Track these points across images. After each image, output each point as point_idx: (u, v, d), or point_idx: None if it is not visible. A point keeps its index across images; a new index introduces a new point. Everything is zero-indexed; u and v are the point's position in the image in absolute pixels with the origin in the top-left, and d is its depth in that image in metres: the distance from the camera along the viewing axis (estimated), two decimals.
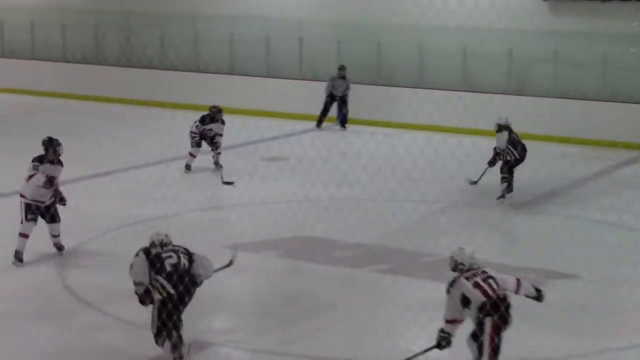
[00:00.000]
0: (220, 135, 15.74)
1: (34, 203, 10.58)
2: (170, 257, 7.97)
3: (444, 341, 7.36)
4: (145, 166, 15.75)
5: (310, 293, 9.75)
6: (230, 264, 8.90)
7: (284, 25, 22.03)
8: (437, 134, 16.29)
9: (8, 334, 8.65)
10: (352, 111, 20.44)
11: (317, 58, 21.50)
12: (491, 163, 14.25)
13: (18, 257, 10.56)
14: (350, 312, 9.22)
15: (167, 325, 7.83)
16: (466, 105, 15.80)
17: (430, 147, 13.47)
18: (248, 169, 15.46)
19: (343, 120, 20.46)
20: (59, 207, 10.86)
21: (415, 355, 7.62)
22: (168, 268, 7.88)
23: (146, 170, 15.51)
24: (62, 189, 10.89)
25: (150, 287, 7.93)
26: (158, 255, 7.94)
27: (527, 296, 7.50)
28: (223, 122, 15.86)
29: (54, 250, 10.93)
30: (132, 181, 14.77)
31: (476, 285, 7.23)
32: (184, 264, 7.98)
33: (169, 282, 7.83)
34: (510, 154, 14.00)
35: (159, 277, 7.86)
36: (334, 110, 20.41)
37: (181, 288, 7.81)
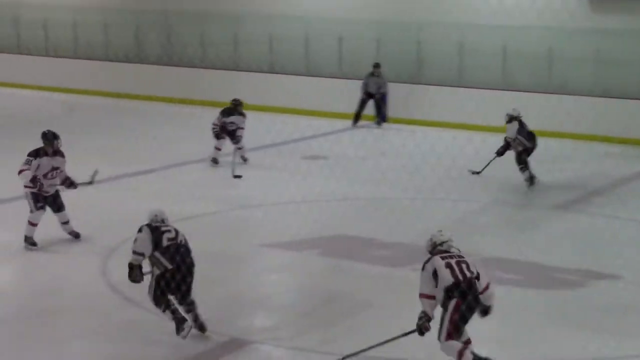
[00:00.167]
0: (242, 128, 15.92)
1: (41, 193, 11.03)
2: (168, 231, 8.35)
3: (420, 321, 7.47)
4: (185, 164, 15.86)
5: (350, 292, 9.75)
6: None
7: (323, 25, 22.03)
8: (477, 133, 16.20)
9: (53, 330, 8.74)
10: (392, 110, 20.43)
11: (356, 57, 21.47)
12: (500, 153, 14.68)
13: (29, 241, 11.04)
14: (389, 311, 9.19)
15: (164, 300, 8.21)
16: (506, 105, 15.67)
17: (470, 146, 13.44)
18: (288, 168, 15.50)
19: (379, 118, 20.48)
20: (71, 190, 11.38)
21: (393, 339, 7.78)
22: (165, 243, 8.24)
23: (187, 168, 15.61)
24: (69, 174, 11.36)
25: (150, 260, 8.27)
26: (157, 229, 8.30)
27: (481, 303, 7.54)
28: (244, 115, 16.04)
29: (75, 240, 11.33)
30: (173, 179, 14.86)
31: (448, 265, 7.44)
32: (181, 240, 8.37)
33: (165, 256, 8.20)
34: (521, 144, 14.43)
35: (155, 253, 8.22)
36: (371, 108, 20.44)
37: (178, 262, 8.17)
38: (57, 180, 11.25)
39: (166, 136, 18.31)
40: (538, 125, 16.00)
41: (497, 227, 12.36)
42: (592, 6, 19.32)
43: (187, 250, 8.39)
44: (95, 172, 11.27)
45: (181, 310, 8.30)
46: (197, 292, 8.47)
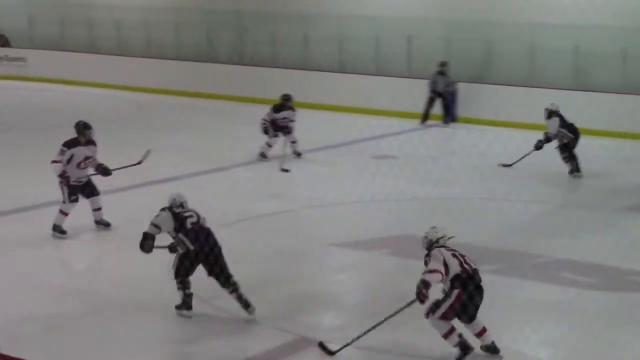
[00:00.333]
0: (293, 121, 16.21)
1: (75, 183, 11.44)
2: (191, 216, 8.90)
3: (420, 289, 7.69)
4: (257, 163, 15.93)
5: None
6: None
7: (393, 24, 21.98)
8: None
9: (118, 324, 8.84)
10: (461, 109, 20.30)
11: (425, 56, 21.36)
12: (538, 147, 15.02)
13: (59, 229, 11.43)
14: None
15: (184, 275, 8.79)
16: (579, 105, 15.50)
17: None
18: (358, 167, 15.48)
19: (448, 118, 20.39)
20: (104, 178, 11.74)
21: (396, 313, 8.02)
22: (189, 226, 8.79)
23: (257, 166, 15.68)
24: (102, 162, 11.73)
25: (175, 241, 8.81)
26: (179, 215, 8.86)
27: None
28: (294, 109, 16.30)
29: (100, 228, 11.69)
30: (244, 177, 14.94)
31: (454, 255, 7.77)
32: (203, 222, 8.91)
33: (189, 238, 8.74)
34: (565, 137, 14.86)
35: (179, 234, 8.77)
36: (440, 107, 20.36)
37: (200, 243, 8.71)
38: (89, 170, 11.65)
39: (236, 135, 18.42)
40: (611, 125, 15.80)
41: (569, 228, 12.18)
42: None
43: (209, 233, 8.86)
44: (148, 152, 11.57)
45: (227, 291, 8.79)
46: (266, 289, 8.50)
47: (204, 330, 8.63)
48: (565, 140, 14.98)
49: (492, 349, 7.93)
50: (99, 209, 11.75)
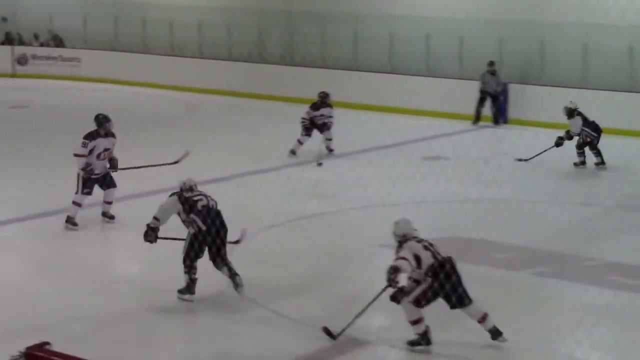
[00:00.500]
0: (331, 117, 16.60)
1: (93, 176, 11.87)
2: (200, 199, 9.39)
3: (393, 276, 7.99)
4: (306, 163, 15.99)
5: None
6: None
7: (444, 25, 21.91)
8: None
9: (166, 321, 8.94)
10: (513, 110, 20.20)
11: (477, 57, 21.27)
12: (558, 144, 15.58)
13: (71, 221, 11.82)
14: (508, 315, 9.05)
15: (193, 258, 9.24)
16: (634, 108, 15.34)
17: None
18: (408, 168, 15.45)
19: (498, 118, 20.33)
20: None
21: (374, 300, 8.32)
22: (200, 207, 9.29)
23: (307, 167, 15.73)
24: (117, 156, 12.20)
25: (185, 222, 9.36)
26: (189, 199, 9.37)
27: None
28: (331, 107, 16.69)
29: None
30: (294, 177, 15.00)
31: (425, 248, 8.08)
32: (213, 205, 9.40)
33: (200, 218, 9.21)
34: (589, 136, 15.40)
35: (191, 215, 9.27)
36: (490, 108, 20.30)
37: (210, 223, 9.19)
38: (107, 162, 12.05)
39: (286, 135, 18.48)
40: None
41: (620, 231, 12.06)
42: None
43: (218, 214, 9.36)
44: (186, 153, 11.71)
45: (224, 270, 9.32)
46: (316, 290, 8.54)
47: (253, 330, 8.69)
48: (588, 139, 15.42)
49: (494, 332, 8.13)
50: (110, 202, 12.11)
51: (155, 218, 9.50)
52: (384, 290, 8.23)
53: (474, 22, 21.42)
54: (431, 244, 8.19)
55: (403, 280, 8.12)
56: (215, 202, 9.51)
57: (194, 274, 9.30)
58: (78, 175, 11.87)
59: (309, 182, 14.59)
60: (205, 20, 26.13)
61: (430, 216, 12.62)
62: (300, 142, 16.62)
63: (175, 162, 12.00)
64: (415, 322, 8.18)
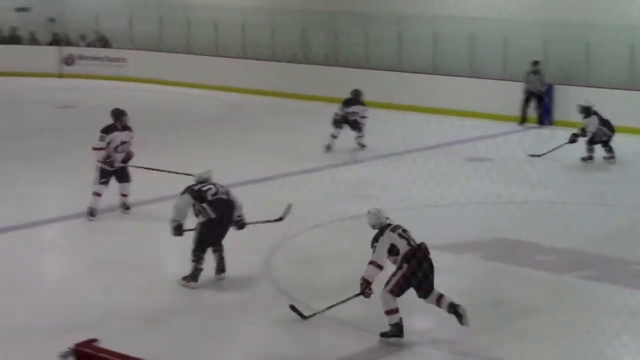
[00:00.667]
0: (364, 117, 16.86)
1: (109, 168, 12.28)
2: (209, 189, 9.79)
3: (364, 287, 8.29)
4: (349, 164, 15.98)
5: (512, 297, 9.60)
6: (280, 219, 10.58)
7: (488, 25, 21.77)
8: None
9: (213, 321, 8.97)
10: (559, 112, 20.05)
11: (522, 58, 21.11)
12: (572, 141, 15.95)
13: (92, 213, 12.24)
14: (553, 318, 9.01)
15: (204, 248, 9.69)
16: None
17: None
18: (453, 169, 15.40)
19: (542, 118, 20.21)
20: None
21: (340, 302, 8.55)
22: (209, 197, 9.70)
23: (350, 167, 15.73)
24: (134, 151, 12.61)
25: (186, 218, 9.77)
26: (200, 190, 9.76)
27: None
28: (364, 105, 16.97)
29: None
30: (337, 178, 15.00)
31: (400, 236, 8.32)
32: (222, 194, 9.82)
33: (210, 207, 9.65)
34: (606, 134, 15.94)
35: (203, 204, 9.67)
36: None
37: (219, 212, 9.66)
38: (123, 155, 12.45)
39: (328, 134, 18.47)
40: None
41: None
42: None
43: (228, 205, 9.82)
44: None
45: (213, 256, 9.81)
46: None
47: (297, 330, 8.70)
48: (604, 138, 15.92)
49: (454, 305, 8.34)
50: (126, 195, 12.54)
51: (174, 220, 9.81)
52: (356, 296, 8.42)
53: (519, 23, 21.27)
54: (405, 230, 8.42)
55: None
56: (227, 191, 9.92)
57: (201, 264, 9.71)
58: (97, 167, 12.31)
59: (353, 182, 14.58)
60: (249, 21, 26.21)
61: (474, 217, 12.59)
62: (334, 137, 16.91)
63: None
64: (390, 312, 8.27)
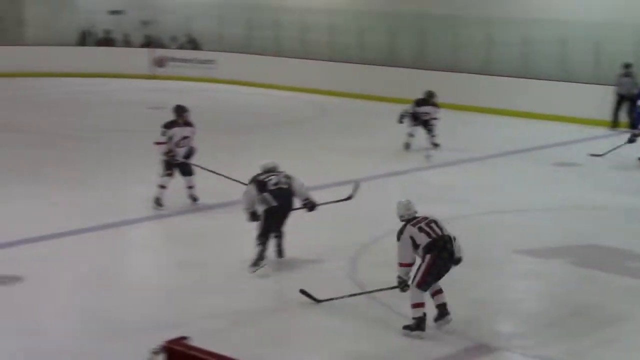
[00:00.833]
0: (435, 118, 17.09)
1: (171, 160, 12.79)
2: (271, 179, 10.42)
3: (402, 284, 8.57)
4: (434, 168, 15.93)
5: (601, 303, 9.46)
6: (349, 197, 11.08)
7: (579, 28, 21.46)
8: None
9: (300, 321, 9.05)
10: None
11: (614, 61, 20.75)
12: (631, 140, 15.97)
13: (158, 202, 12.84)
14: None
15: (267, 233, 10.31)
16: None
17: None
18: (543, 174, 15.25)
19: (634, 123, 19.82)
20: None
21: (374, 290, 9.14)
22: (271, 187, 10.32)
23: (437, 170, 15.67)
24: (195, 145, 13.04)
25: (257, 206, 10.37)
26: (262, 180, 10.40)
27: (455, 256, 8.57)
28: (437, 106, 17.19)
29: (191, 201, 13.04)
30: (424, 181, 14.97)
31: (420, 229, 8.53)
32: (283, 183, 10.40)
33: (271, 196, 10.28)
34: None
35: (264, 194, 10.30)
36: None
37: (280, 200, 10.29)
38: (185, 149, 12.88)
39: (417, 138, 18.43)
40: None
41: None
42: None
43: (288, 193, 10.40)
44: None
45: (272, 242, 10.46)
46: (448, 294, 8.53)
47: (384, 332, 8.73)
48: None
49: (442, 306, 8.59)
50: (192, 187, 13.03)
51: (246, 209, 10.49)
52: (392, 288, 8.76)
53: (612, 26, 20.91)
54: (429, 223, 8.61)
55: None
56: (290, 181, 10.45)
57: (266, 249, 10.32)
58: (161, 161, 12.87)
59: (440, 186, 14.53)
60: (337, 23, 26.31)
61: (564, 223, 12.44)
62: (411, 135, 17.23)
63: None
64: (416, 305, 8.48)
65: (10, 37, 28.78)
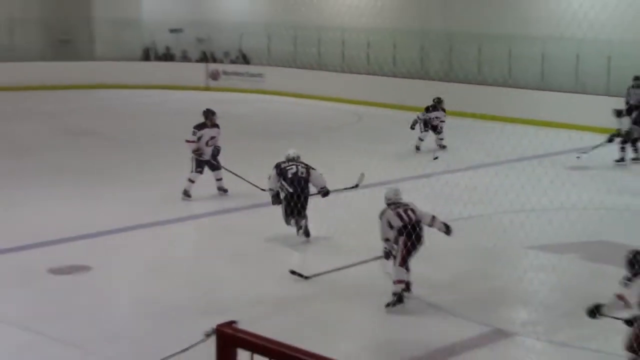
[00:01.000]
0: (443, 121, 17.87)
1: (201, 158, 13.24)
2: (291, 168, 10.99)
3: (386, 255, 9.03)
4: (460, 171, 15.89)
5: (609, 294, 9.36)
6: (356, 186, 11.60)
7: (593, 46, 21.28)
8: None
9: (338, 308, 9.11)
10: None
11: (625, 75, 20.56)
12: (610, 140, 16.53)
13: (187, 194, 13.26)
14: None
15: (291, 212, 10.99)
16: None
17: None
18: (559, 177, 15.10)
19: None
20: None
21: (360, 262, 9.57)
22: (289, 175, 10.94)
23: (460, 174, 15.64)
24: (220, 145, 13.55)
25: (279, 191, 10.99)
26: (283, 168, 11.03)
27: (439, 230, 9.15)
28: (444, 110, 17.96)
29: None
30: (451, 183, 14.91)
31: (397, 214, 8.96)
32: (301, 173, 11.00)
33: (289, 184, 10.90)
34: (637, 131, 16.50)
35: (283, 182, 10.92)
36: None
37: (298, 189, 10.87)
38: (212, 148, 13.33)
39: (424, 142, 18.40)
40: None
41: None
42: None
43: (305, 181, 10.99)
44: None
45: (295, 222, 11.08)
46: (468, 284, 8.56)
47: (411, 319, 8.78)
48: (635, 135, 16.53)
49: (407, 284, 9.06)
50: (220, 179, 13.54)
51: (270, 190, 11.13)
52: (377, 258, 9.30)
53: (622, 43, 20.73)
54: (405, 210, 9.00)
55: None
56: (308, 170, 11.06)
57: (292, 225, 11.09)
58: (192, 158, 13.26)
59: (466, 187, 14.49)
60: (373, 40, 26.33)
61: (575, 221, 12.35)
62: (421, 139, 17.78)
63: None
64: (397, 282, 8.91)
65: (82, 54, 29.16)
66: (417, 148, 17.82)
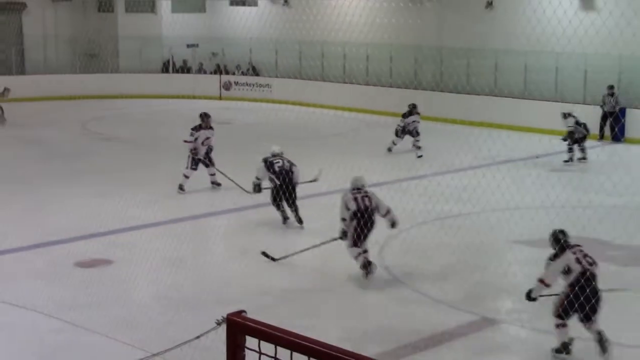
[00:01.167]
0: (418, 122, 18.15)
1: (196, 157, 13.51)
2: (277, 162, 11.35)
3: (342, 236, 9.32)
4: (451, 172, 15.83)
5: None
6: (314, 180, 11.94)
7: (571, 59, 21.20)
8: None
9: (341, 303, 9.08)
10: (633, 130, 19.45)
11: (600, 86, 20.48)
12: (565, 139, 16.50)
13: (181, 188, 13.57)
14: (621, 303, 8.77)
15: (276, 204, 11.36)
16: None
17: None
18: (540, 177, 15.08)
19: (616, 135, 19.63)
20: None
21: (321, 244, 9.71)
22: (276, 169, 11.25)
23: (452, 175, 15.58)
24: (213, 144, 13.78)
25: (262, 181, 11.32)
26: (271, 162, 11.35)
27: (389, 221, 9.38)
28: (419, 114, 18.29)
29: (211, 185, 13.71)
30: (443, 183, 14.86)
31: (354, 199, 9.24)
32: (286, 166, 11.33)
33: (276, 177, 11.23)
34: (581, 132, 16.61)
35: (270, 174, 11.25)
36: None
37: (284, 180, 11.20)
38: (206, 148, 13.60)
39: (437, 148, 18.36)
40: None
41: None
42: None
43: (291, 173, 11.28)
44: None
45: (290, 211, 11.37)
46: (457, 276, 8.49)
47: (402, 307, 8.73)
48: (580, 135, 16.59)
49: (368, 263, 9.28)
50: (214, 174, 13.82)
51: (257, 178, 11.43)
52: (334, 240, 9.47)
53: (598, 56, 20.65)
54: (363, 197, 9.22)
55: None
56: (291, 165, 11.33)
57: (283, 211, 11.42)
58: (189, 157, 13.57)
59: (456, 187, 14.44)
60: (372, 54, 26.27)
61: (556, 218, 12.27)
62: (394, 143, 18.11)
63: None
64: (356, 257, 9.22)
65: (108, 67, 29.13)
66: (389, 150, 18.10)
